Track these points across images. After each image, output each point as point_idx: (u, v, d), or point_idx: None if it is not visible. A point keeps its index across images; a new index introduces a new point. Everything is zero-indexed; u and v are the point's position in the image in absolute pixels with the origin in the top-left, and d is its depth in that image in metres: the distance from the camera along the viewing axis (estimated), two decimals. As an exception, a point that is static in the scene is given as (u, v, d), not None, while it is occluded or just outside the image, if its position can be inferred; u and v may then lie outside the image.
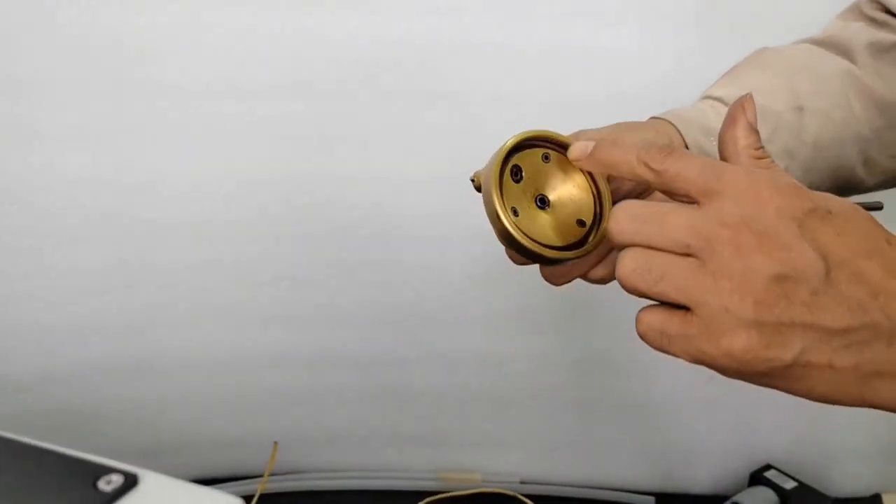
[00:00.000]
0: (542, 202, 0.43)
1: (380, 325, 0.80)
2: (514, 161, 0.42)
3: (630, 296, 0.35)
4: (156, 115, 0.72)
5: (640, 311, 0.35)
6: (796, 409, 0.81)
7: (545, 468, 0.85)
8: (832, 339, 0.31)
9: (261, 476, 0.82)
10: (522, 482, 0.84)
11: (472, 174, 0.45)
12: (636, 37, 0.71)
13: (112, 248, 0.75)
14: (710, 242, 0.32)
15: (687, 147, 0.48)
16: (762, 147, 0.37)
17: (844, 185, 0.55)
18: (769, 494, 0.78)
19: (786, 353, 0.31)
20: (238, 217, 0.76)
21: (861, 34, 0.55)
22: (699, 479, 0.85)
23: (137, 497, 0.34)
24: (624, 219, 0.34)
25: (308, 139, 0.74)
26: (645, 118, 0.51)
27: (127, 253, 0.76)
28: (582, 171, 0.43)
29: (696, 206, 0.34)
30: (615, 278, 0.35)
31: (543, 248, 0.41)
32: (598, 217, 0.43)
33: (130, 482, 0.34)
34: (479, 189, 0.43)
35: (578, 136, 0.46)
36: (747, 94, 0.38)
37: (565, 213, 0.43)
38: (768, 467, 0.81)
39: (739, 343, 0.31)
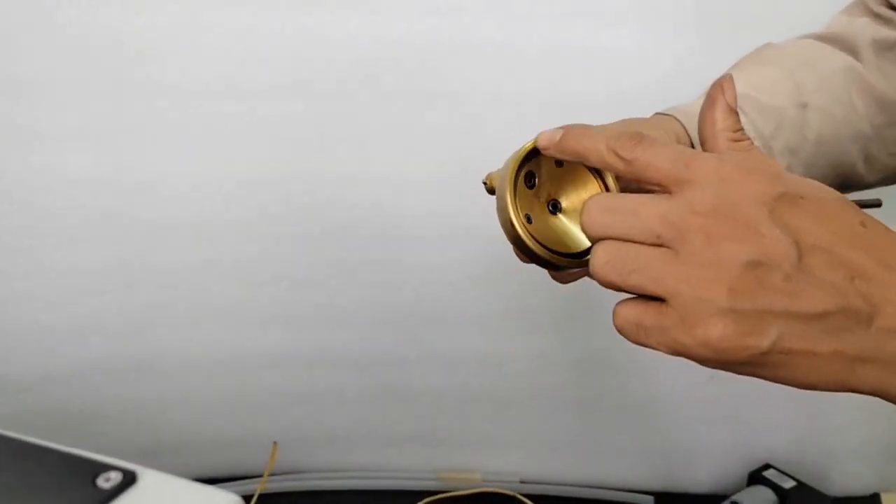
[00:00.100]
0: (555, 208, 0.42)
1: (380, 325, 0.80)
2: (528, 167, 0.42)
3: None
4: (156, 115, 0.72)
5: (616, 304, 0.35)
6: (796, 409, 0.81)
7: (545, 468, 0.85)
8: (809, 324, 0.31)
9: (261, 476, 0.82)
10: (522, 482, 0.84)
11: (484, 177, 0.45)
12: (636, 37, 0.71)
13: (112, 248, 0.75)
14: (682, 231, 0.32)
15: (692, 143, 0.48)
16: (741, 129, 0.37)
17: (845, 182, 0.55)
18: (768, 494, 0.78)
19: (762, 340, 0.31)
20: (238, 217, 0.76)
21: (866, 31, 0.55)
22: (698, 479, 0.85)
23: (136, 494, 0.34)
24: (596, 211, 0.34)
25: (308, 139, 0.74)
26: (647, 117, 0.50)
27: (127, 253, 0.76)
28: (594, 176, 0.43)
29: (667, 195, 0.33)
30: None
31: (555, 256, 0.41)
32: None
33: (129, 479, 0.35)
34: (490, 192, 0.43)
35: None
36: (727, 75, 0.38)
37: (578, 219, 0.43)
38: (767, 467, 0.81)
39: (715, 332, 0.31)
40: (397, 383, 0.82)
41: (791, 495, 0.77)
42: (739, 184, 0.32)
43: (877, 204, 0.49)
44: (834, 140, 0.52)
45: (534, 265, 0.45)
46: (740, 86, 0.51)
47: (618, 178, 0.43)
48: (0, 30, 0.69)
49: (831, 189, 0.34)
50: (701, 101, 0.50)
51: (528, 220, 0.41)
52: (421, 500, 0.81)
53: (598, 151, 0.36)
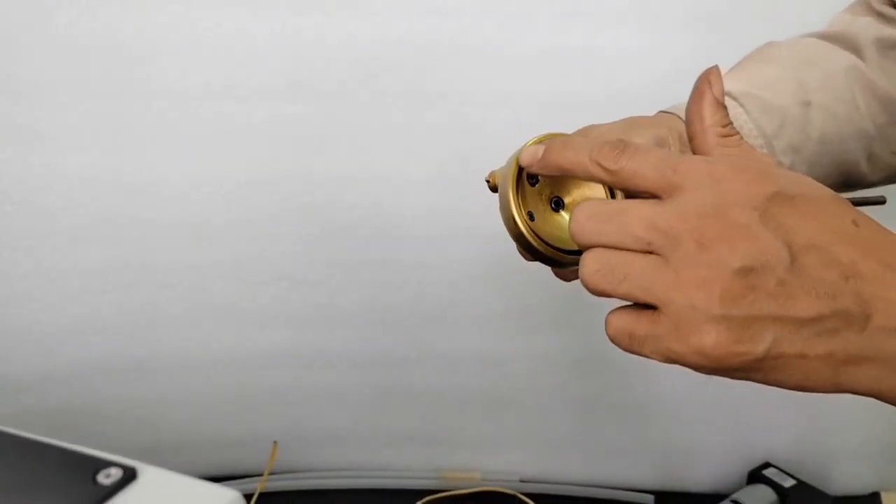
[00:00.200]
0: (558, 205, 0.43)
1: (380, 325, 0.80)
2: None
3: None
4: (155, 115, 0.72)
5: (608, 313, 0.34)
6: (796, 408, 0.82)
7: (545, 467, 0.85)
8: (802, 328, 0.31)
9: (261, 475, 0.82)
10: (522, 481, 0.84)
11: (487, 174, 0.45)
12: (636, 37, 0.71)
13: (112, 248, 0.75)
14: (671, 237, 0.31)
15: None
16: (730, 123, 0.36)
17: (848, 181, 0.54)
18: (768, 493, 0.78)
19: (757, 346, 0.31)
20: (238, 217, 0.76)
21: (868, 30, 0.55)
22: (698, 478, 0.85)
23: (136, 490, 0.34)
24: (584, 219, 0.33)
25: (308, 139, 0.74)
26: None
27: (127, 253, 0.76)
28: None
29: (656, 201, 0.33)
30: None
31: (558, 253, 0.41)
32: None
33: (129, 476, 0.35)
34: (493, 190, 0.43)
35: (587, 131, 0.46)
36: (713, 67, 0.37)
37: None
38: (767, 465, 0.81)
39: (709, 340, 0.31)
40: (397, 383, 0.82)
41: (791, 494, 0.77)
42: (730, 185, 0.32)
43: (881, 201, 0.49)
44: (837, 139, 0.52)
45: (534, 265, 0.45)
46: (743, 84, 0.51)
47: None
48: (0, 30, 0.68)
49: (823, 186, 0.34)
50: None
51: (531, 217, 0.41)
52: (421, 499, 0.81)
53: (582, 164, 0.35)
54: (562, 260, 0.41)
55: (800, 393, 0.34)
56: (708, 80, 0.36)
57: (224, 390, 0.82)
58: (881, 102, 0.53)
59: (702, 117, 0.36)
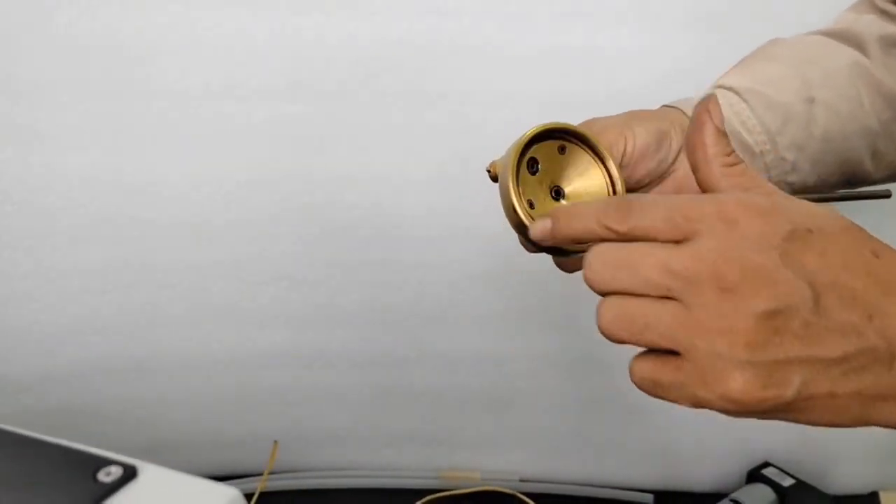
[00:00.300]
0: (558, 194, 0.43)
1: (380, 325, 0.80)
2: (530, 153, 0.42)
3: None
4: (155, 115, 0.72)
5: (632, 360, 0.33)
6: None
7: (545, 466, 0.85)
8: (830, 368, 0.30)
9: (261, 475, 0.82)
10: (522, 480, 0.84)
11: (488, 164, 0.45)
12: (636, 37, 0.71)
13: (112, 248, 0.75)
14: (691, 283, 0.31)
15: None
16: (733, 152, 0.35)
17: (852, 179, 0.54)
18: (767, 492, 0.78)
19: (786, 390, 0.30)
20: (238, 217, 0.76)
21: (872, 27, 0.55)
22: (697, 477, 0.85)
23: (137, 488, 0.34)
24: (598, 265, 0.33)
25: (308, 139, 0.74)
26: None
27: (127, 253, 0.76)
28: (597, 162, 0.43)
29: (672, 245, 0.32)
30: None
31: None
32: None
33: (130, 474, 0.35)
34: (494, 179, 0.43)
35: (590, 124, 0.46)
36: (711, 96, 0.36)
37: None
38: (766, 465, 0.81)
39: (735, 386, 0.30)
40: (397, 383, 0.82)
41: (790, 493, 0.77)
42: (744, 226, 0.31)
43: (886, 195, 0.49)
44: (841, 136, 0.52)
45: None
46: (747, 80, 0.51)
47: (620, 165, 0.43)
48: (0, 30, 0.68)
49: (838, 215, 0.33)
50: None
51: (531, 205, 0.41)
52: (421, 498, 0.81)
53: (591, 231, 0.34)
54: (562, 248, 0.41)
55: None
56: (707, 109, 0.36)
57: (224, 390, 0.82)
58: (885, 99, 0.53)
59: (704, 147, 0.35)
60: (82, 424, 0.79)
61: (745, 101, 0.50)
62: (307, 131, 0.74)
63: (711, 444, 0.84)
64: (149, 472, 0.35)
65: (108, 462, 0.35)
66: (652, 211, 0.33)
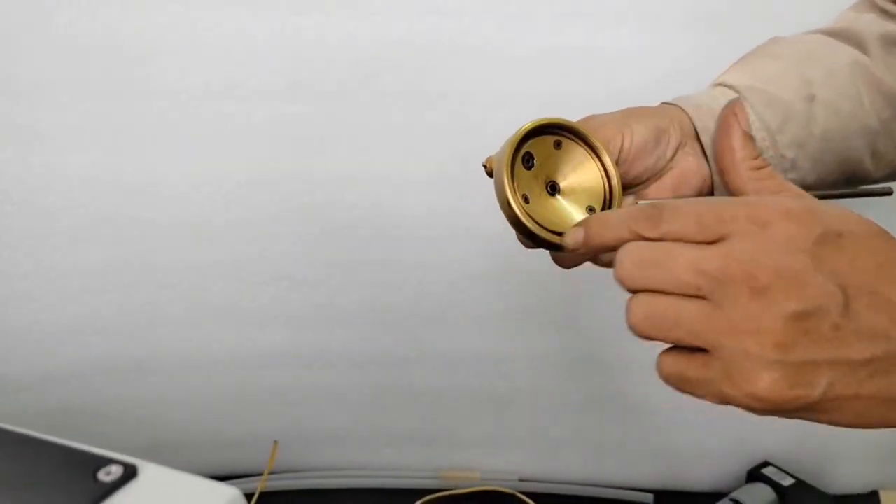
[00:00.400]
0: (553, 189, 0.43)
1: (380, 325, 0.80)
2: (526, 148, 0.43)
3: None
4: (155, 115, 0.72)
5: (659, 354, 0.34)
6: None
7: (544, 466, 0.85)
8: (857, 370, 0.31)
9: (261, 475, 0.82)
10: (521, 480, 0.84)
11: (484, 160, 0.45)
12: (636, 37, 0.71)
13: (112, 248, 0.75)
14: (722, 283, 0.31)
15: (697, 133, 0.48)
16: (759, 155, 0.36)
17: (852, 177, 0.54)
18: (767, 492, 0.78)
19: (813, 390, 0.31)
20: (238, 217, 0.76)
21: (872, 26, 0.55)
22: (697, 477, 0.85)
23: (137, 488, 0.35)
24: (630, 264, 0.33)
25: (308, 139, 0.74)
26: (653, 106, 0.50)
27: (127, 253, 0.76)
28: (592, 157, 0.44)
29: (703, 245, 0.32)
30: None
31: (553, 235, 0.41)
32: (608, 203, 0.44)
33: (130, 473, 0.35)
34: (490, 175, 0.44)
35: (588, 121, 0.47)
36: (738, 100, 0.37)
37: (576, 200, 0.43)
38: (766, 464, 0.81)
39: (763, 385, 0.31)
40: (397, 383, 0.82)
41: (790, 493, 0.77)
42: (776, 228, 0.32)
43: (888, 192, 0.49)
44: (841, 134, 0.52)
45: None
46: (747, 78, 0.51)
47: (616, 162, 0.44)
48: (0, 30, 0.68)
49: (866, 219, 0.34)
50: (707, 94, 0.51)
51: (526, 200, 0.41)
52: (420, 498, 0.81)
53: (623, 240, 0.35)
54: (556, 242, 0.41)
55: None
56: (734, 112, 0.36)
57: (224, 390, 0.82)
58: (886, 98, 0.53)
59: (732, 151, 0.36)
60: (82, 424, 0.79)
61: (745, 98, 0.50)
62: (307, 131, 0.74)
63: (711, 444, 0.84)
64: (149, 472, 0.35)
65: (108, 461, 0.35)
66: (683, 215, 0.33)
